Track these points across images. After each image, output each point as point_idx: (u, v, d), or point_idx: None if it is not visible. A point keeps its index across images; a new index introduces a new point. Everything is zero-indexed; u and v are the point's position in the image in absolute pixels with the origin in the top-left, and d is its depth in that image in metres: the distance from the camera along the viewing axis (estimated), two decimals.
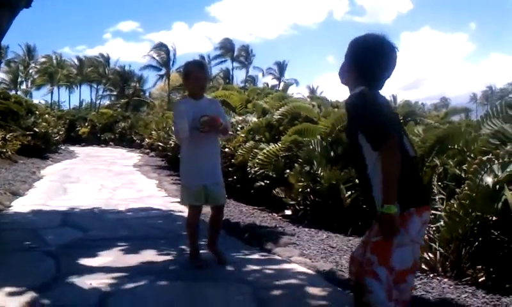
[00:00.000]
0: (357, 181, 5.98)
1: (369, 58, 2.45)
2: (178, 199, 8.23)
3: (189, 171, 4.35)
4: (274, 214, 7.04)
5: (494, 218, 3.98)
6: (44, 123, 17.21)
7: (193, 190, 4.27)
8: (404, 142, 2.44)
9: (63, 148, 21.28)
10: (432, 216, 4.40)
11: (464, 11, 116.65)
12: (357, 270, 2.54)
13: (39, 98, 54.52)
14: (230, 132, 4.63)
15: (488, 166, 4.08)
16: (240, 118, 10.22)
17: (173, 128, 13.74)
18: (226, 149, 9.06)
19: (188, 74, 4.40)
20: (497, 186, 3.95)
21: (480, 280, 3.91)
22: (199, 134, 4.17)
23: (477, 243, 4.08)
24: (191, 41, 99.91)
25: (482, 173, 4.09)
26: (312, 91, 60.41)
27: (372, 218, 2.45)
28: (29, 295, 3.50)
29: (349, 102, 2.52)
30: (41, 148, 16.08)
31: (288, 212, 6.80)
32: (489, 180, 4.02)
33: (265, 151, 7.69)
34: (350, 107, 2.52)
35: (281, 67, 66.07)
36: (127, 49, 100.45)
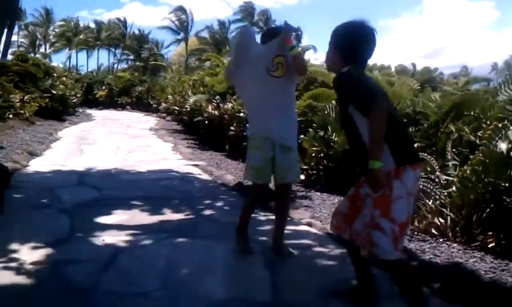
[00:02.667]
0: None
1: (350, 43, 2.67)
2: (193, 162, 8.36)
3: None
4: None
5: (506, 185, 3.95)
6: (62, 86, 17.27)
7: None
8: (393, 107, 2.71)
9: (80, 110, 21.41)
10: (445, 181, 4.40)
11: None
12: (338, 223, 2.86)
13: (58, 62, 54.74)
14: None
15: (503, 132, 4.04)
16: None
17: (189, 92, 13.81)
18: (241, 114, 9.07)
19: None
20: (511, 153, 3.92)
21: (489, 246, 3.92)
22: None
23: (488, 209, 4.07)
24: (208, 5, 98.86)
25: (497, 139, 4.05)
26: None
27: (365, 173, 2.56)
28: (44, 250, 3.60)
29: (337, 79, 2.72)
30: (59, 110, 16.17)
31: (301, 177, 6.81)
32: (503, 146, 3.98)
33: None
34: (338, 83, 2.72)
35: (297, 34, 65.33)
36: (145, 13, 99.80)
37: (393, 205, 2.45)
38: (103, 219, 4.56)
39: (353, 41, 2.68)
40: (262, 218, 4.69)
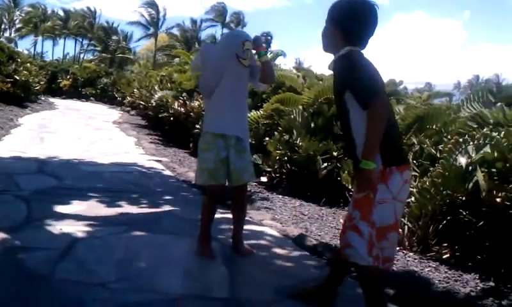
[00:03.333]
0: (335, 153, 6.06)
1: (350, 18, 2.47)
2: (156, 157, 8.28)
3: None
4: None
5: (463, 198, 4.05)
6: (25, 72, 16.87)
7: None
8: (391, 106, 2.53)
9: (42, 98, 20.99)
10: None
11: None
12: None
13: (23, 48, 53.39)
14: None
15: (463, 147, 4.14)
16: None
17: (156, 87, 13.66)
18: None
19: None
20: (470, 167, 4.02)
21: (444, 257, 4.01)
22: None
23: (445, 221, 4.17)
24: (181, 3, 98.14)
25: (457, 153, 4.15)
26: (299, 63, 60.21)
27: (354, 167, 2.51)
28: None
29: (336, 63, 2.53)
30: (21, 97, 15.78)
31: (264, 179, 6.84)
32: (462, 160, 4.08)
33: None
34: (337, 68, 2.52)
35: (267, 38, 65.45)
36: (115, 3, 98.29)
37: (375, 209, 2.36)
38: (61, 208, 4.47)
39: (355, 17, 2.47)
40: (219, 216, 4.68)
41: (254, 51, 3.57)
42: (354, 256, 2.38)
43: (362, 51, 2.54)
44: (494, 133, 4.10)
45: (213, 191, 3.61)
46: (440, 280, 3.54)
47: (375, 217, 2.36)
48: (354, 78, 2.37)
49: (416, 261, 3.92)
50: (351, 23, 2.47)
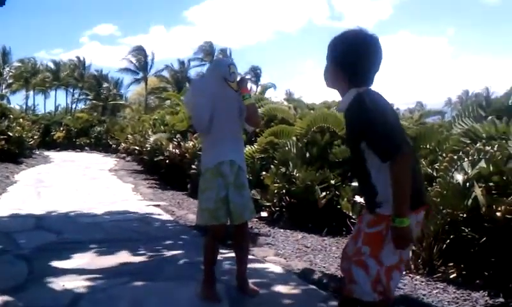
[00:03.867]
0: (332, 182, 6.05)
1: (352, 55, 2.31)
2: (154, 202, 8.25)
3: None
4: None
5: (464, 215, 4.04)
6: (18, 127, 16.93)
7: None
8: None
9: (37, 152, 21.00)
10: None
11: (444, 16, 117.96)
12: (349, 268, 2.46)
13: (14, 103, 53.66)
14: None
15: (459, 164, 4.16)
16: None
17: (149, 131, 13.70)
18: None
19: None
20: (467, 183, 4.03)
21: (451, 276, 3.98)
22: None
23: (448, 240, 4.15)
24: (168, 45, 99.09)
25: (453, 170, 4.16)
26: (289, 94, 60.62)
27: (369, 209, 2.38)
28: (0, 298, 3.46)
29: (349, 110, 2.35)
30: (15, 153, 15.79)
31: (264, 214, 6.81)
32: (459, 177, 4.09)
33: None
34: (349, 117, 2.37)
35: (256, 72, 66.08)
36: (104, 53, 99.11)
37: (385, 246, 2.26)
38: (62, 264, 4.43)
39: (357, 58, 2.31)
40: (222, 256, 4.64)
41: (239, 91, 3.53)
42: (358, 292, 2.29)
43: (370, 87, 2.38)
44: (487, 148, 4.12)
45: (215, 231, 3.55)
46: (449, 301, 3.51)
47: (384, 256, 2.27)
48: (371, 130, 2.20)
49: (423, 283, 3.89)
50: (353, 65, 2.32)
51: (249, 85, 3.61)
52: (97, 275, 4.08)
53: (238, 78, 3.53)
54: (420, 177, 2.47)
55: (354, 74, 2.32)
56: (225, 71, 3.46)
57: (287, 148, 6.86)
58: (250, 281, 3.74)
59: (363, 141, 2.25)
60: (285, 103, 11.33)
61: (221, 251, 4.59)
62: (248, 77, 64.60)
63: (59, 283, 3.84)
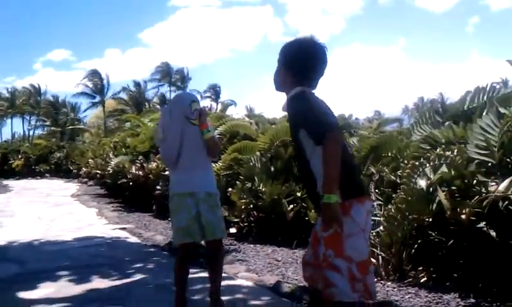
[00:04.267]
0: (298, 194, 6.09)
1: (300, 59, 2.52)
2: (120, 225, 8.13)
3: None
4: None
5: (430, 219, 4.13)
6: None
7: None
8: (344, 140, 2.53)
9: None
10: (372, 222, 4.53)
11: (394, 26, 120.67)
12: (311, 274, 2.52)
13: None
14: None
15: (421, 170, 4.25)
16: None
17: (110, 154, 13.53)
18: (166, 172, 8.96)
19: None
20: (431, 188, 4.12)
21: (422, 281, 4.05)
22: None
23: (416, 245, 4.23)
24: (125, 67, 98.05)
25: (416, 176, 4.25)
26: (250, 110, 60.85)
27: (318, 213, 2.46)
28: None
29: (288, 102, 2.57)
30: None
31: (233, 230, 6.78)
32: (422, 183, 4.18)
33: None
34: (290, 108, 2.56)
35: (216, 90, 66.19)
36: (59, 78, 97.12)
37: (346, 243, 2.32)
38: (28, 294, 4.30)
39: (305, 58, 2.53)
40: (194, 276, 4.60)
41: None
42: (338, 295, 2.31)
43: (313, 91, 2.59)
44: (447, 153, 4.23)
45: (183, 249, 3.59)
46: (421, 305, 3.58)
47: (348, 251, 2.33)
48: (307, 117, 2.41)
49: (395, 289, 3.95)
50: (301, 64, 2.52)
51: (211, 106, 3.69)
52: (66, 304, 3.99)
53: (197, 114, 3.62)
54: (358, 171, 2.60)
55: (301, 76, 2.52)
56: (187, 110, 3.58)
57: (251, 164, 6.88)
58: (223, 298, 3.71)
59: (301, 128, 2.44)
60: (247, 119, 11.39)
61: (193, 270, 4.57)
62: (207, 95, 64.78)
63: None
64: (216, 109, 57.19)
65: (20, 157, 28.89)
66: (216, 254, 3.67)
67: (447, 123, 5.02)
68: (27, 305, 3.99)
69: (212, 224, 3.50)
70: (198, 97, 3.75)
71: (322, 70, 2.58)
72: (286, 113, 2.66)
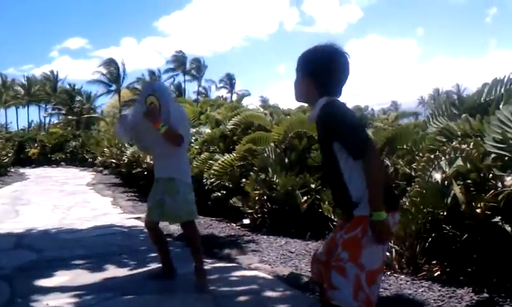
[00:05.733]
0: (312, 186, 6.09)
1: (322, 68, 2.42)
2: (135, 215, 8.19)
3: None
4: (232, 224, 7.05)
5: (444, 213, 4.11)
6: None
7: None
8: None
9: (12, 170, 20.64)
10: None
11: (412, 16, 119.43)
12: (319, 270, 2.51)
13: None
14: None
15: (436, 163, 4.22)
16: (194, 130, 10.19)
17: (126, 144, 13.63)
18: None
19: None
20: (446, 182, 4.09)
21: (435, 274, 4.04)
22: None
23: (430, 239, 4.21)
24: (140, 57, 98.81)
25: (431, 170, 4.23)
26: (264, 100, 60.76)
27: (346, 217, 2.41)
28: None
29: (319, 113, 2.43)
30: None
31: (246, 221, 6.82)
32: (437, 176, 4.15)
33: (220, 161, 7.68)
34: (322, 121, 2.44)
35: (231, 79, 66.25)
36: (75, 67, 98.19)
37: (364, 250, 2.27)
38: (45, 282, 4.36)
39: (327, 67, 2.42)
40: (209, 266, 4.64)
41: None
42: (337, 299, 2.28)
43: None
44: (463, 146, 4.18)
45: (146, 225, 4.35)
46: (435, 299, 3.55)
47: (364, 259, 2.27)
48: (344, 131, 2.32)
49: (408, 283, 3.93)
50: (324, 73, 2.42)
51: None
52: (81, 292, 4.03)
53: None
54: (390, 181, 2.54)
55: (325, 85, 2.43)
56: (143, 106, 4.02)
57: (265, 155, 6.88)
58: (237, 289, 3.79)
59: (336, 141, 2.34)
60: (261, 109, 11.39)
61: (208, 260, 4.67)
62: (221, 85, 64.56)
63: (43, 302, 3.78)
64: (231, 99, 57.26)
65: (36, 145, 29.22)
66: (189, 235, 4.26)
67: (464, 115, 4.97)
68: (44, 292, 4.03)
69: (171, 210, 3.99)
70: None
71: (346, 78, 2.49)
72: (314, 120, 2.52)
